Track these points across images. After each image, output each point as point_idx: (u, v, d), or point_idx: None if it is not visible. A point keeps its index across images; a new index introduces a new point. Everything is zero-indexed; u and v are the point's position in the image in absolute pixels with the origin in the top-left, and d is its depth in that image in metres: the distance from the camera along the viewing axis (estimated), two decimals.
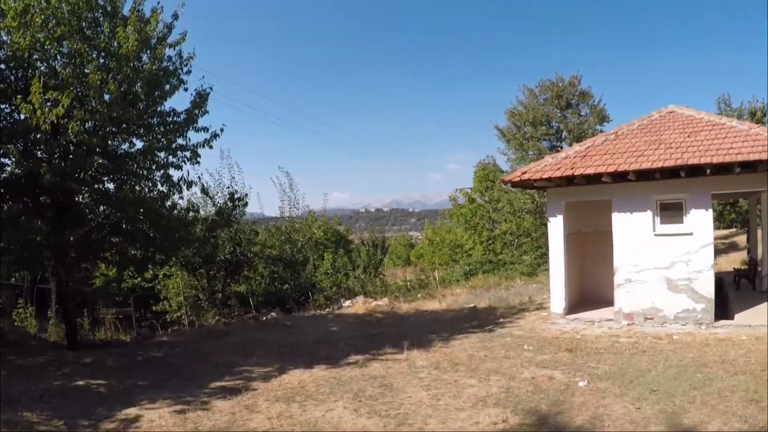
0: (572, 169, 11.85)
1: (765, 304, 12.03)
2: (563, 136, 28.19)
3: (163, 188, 12.16)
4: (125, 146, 12.06)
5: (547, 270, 25.12)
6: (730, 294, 13.59)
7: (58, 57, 10.41)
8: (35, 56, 10.42)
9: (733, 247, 27.43)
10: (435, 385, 8.38)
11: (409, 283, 26.50)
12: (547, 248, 28.71)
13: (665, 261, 11.62)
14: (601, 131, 26.33)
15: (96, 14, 10.86)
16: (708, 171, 10.67)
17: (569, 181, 12.16)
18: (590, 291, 14.65)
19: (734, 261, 21.19)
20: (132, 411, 7.68)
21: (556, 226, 12.91)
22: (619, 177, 11.56)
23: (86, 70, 10.26)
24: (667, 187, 11.55)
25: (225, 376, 9.64)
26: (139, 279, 20.23)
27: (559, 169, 12.06)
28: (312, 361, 10.38)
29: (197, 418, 7.28)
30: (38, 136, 10.35)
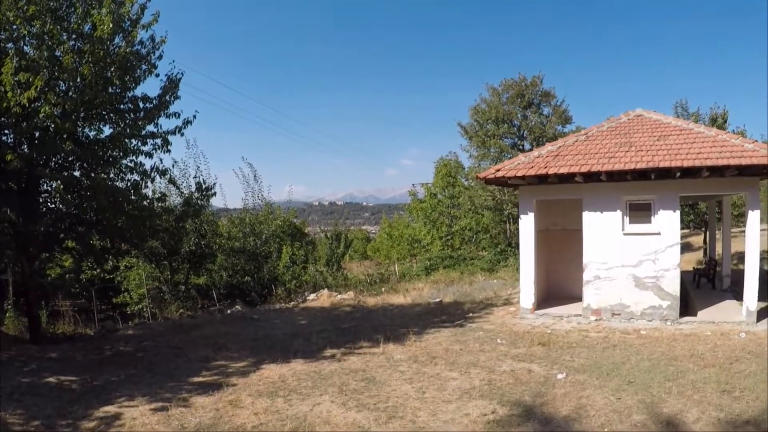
0: (546, 168, 12.11)
1: (726, 302, 12.60)
2: (524, 135, 28.69)
3: (135, 176, 11.81)
4: (93, 133, 11.68)
5: (507, 266, 25.75)
6: (691, 292, 14.16)
7: (28, 38, 9.94)
8: (3, 36, 9.94)
9: (687, 248, 28.47)
10: (417, 378, 8.46)
11: (371, 278, 26.57)
12: (506, 245, 29.32)
13: (633, 259, 12.04)
14: (563, 132, 26.95)
15: None
16: (677, 174, 11.10)
17: (542, 179, 12.43)
18: (556, 287, 15.03)
19: (690, 261, 22.05)
20: (110, 409, 7.45)
21: (527, 224, 13.17)
22: (591, 177, 11.89)
23: (57, 53, 9.86)
24: (636, 188, 11.97)
25: (201, 371, 9.48)
26: (98, 270, 19.63)
27: (532, 167, 12.30)
28: (288, 355, 10.33)
29: (181, 415, 7.12)
30: (5, 120, 9.88)
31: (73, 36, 10.34)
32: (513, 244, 27.50)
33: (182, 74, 12.20)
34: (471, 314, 14.39)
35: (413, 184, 41.20)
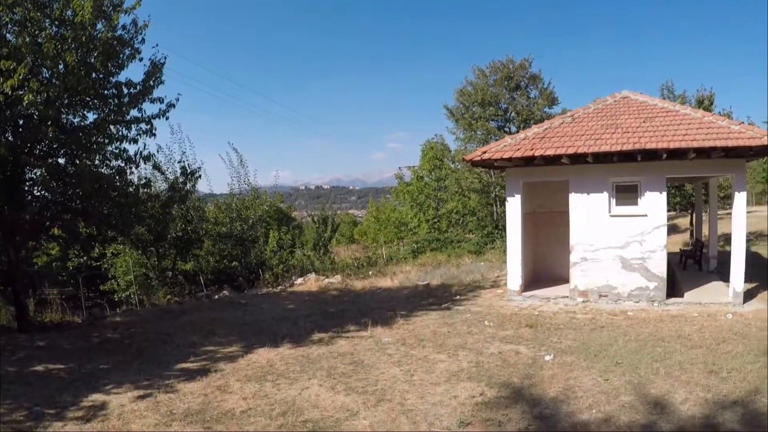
0: (532, 150, 12.09)
1: (713, 283, 12.68)
2: (511, 117, 28.66)
3: (119, 163, 11.69)
4: (77, 119, 11.54)
5: (494, 248, 25.85)
6: (678, 273, 14.25)
7: (10, 25, 9.73)
8: None
9: (673, 229, 28.64)
10: (406, 361, 8.48)
11: (358, 261, 26.57)
12: (493, 227, 29.39)
13: (620, 241, 12.11)
14: (550, 114, 26.93)
15: None
16: (664, 156, 11.13)
17: (528, 161, 12.41)
18: (543, 269, 15.11)
19: (676, 243, 22.22)
20: (98, 396, 7.39)
21: (514, 206, 13.18)
22: (578, 159, 11.90)
23: (39, 39, 9.67)
24: (623, 169, 11.99)
25: (189, 356, 9.44)
26: (85, 258, 19.49)
27: (519, 149, 12.29)
28: (276, 340, 10.31)
29: (169, 402, 7.07)
30: None
31: (56, 22, 10.17)
32: (500, 227, 27.57)
33: (165, 58, 12.08)
34: (458, 297, 14.45)
35: (400, 168, 41.31)
